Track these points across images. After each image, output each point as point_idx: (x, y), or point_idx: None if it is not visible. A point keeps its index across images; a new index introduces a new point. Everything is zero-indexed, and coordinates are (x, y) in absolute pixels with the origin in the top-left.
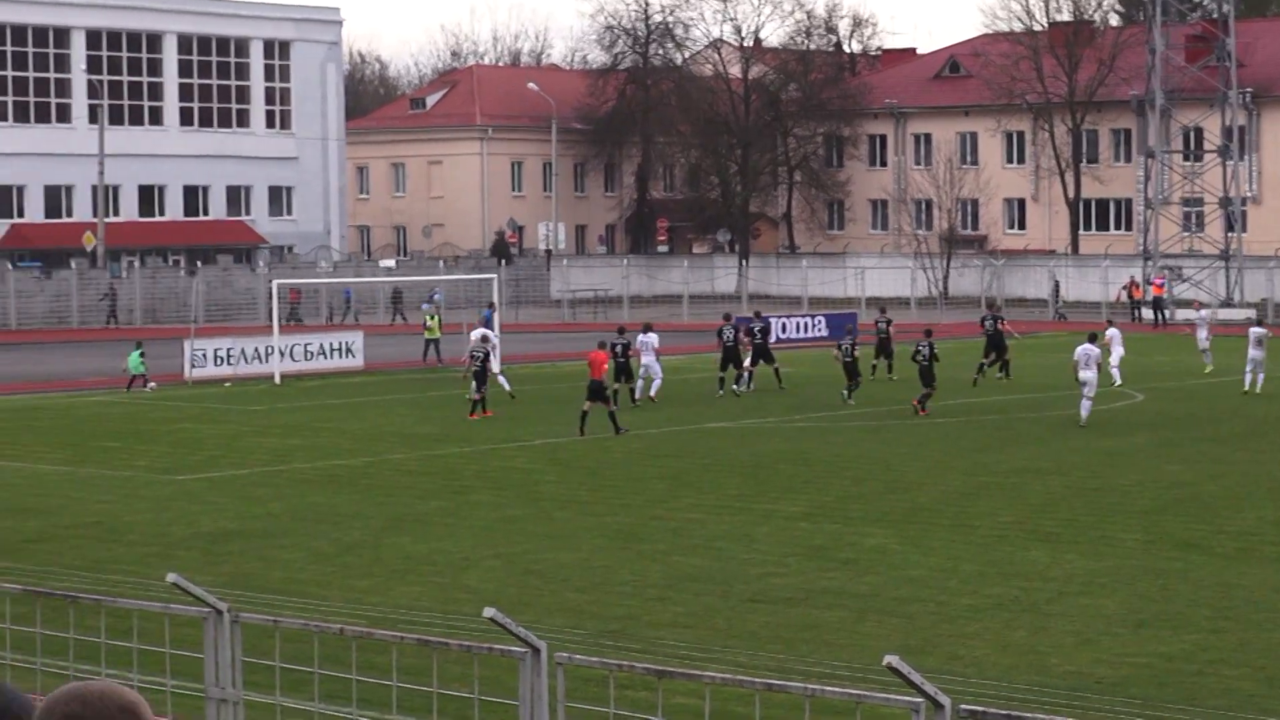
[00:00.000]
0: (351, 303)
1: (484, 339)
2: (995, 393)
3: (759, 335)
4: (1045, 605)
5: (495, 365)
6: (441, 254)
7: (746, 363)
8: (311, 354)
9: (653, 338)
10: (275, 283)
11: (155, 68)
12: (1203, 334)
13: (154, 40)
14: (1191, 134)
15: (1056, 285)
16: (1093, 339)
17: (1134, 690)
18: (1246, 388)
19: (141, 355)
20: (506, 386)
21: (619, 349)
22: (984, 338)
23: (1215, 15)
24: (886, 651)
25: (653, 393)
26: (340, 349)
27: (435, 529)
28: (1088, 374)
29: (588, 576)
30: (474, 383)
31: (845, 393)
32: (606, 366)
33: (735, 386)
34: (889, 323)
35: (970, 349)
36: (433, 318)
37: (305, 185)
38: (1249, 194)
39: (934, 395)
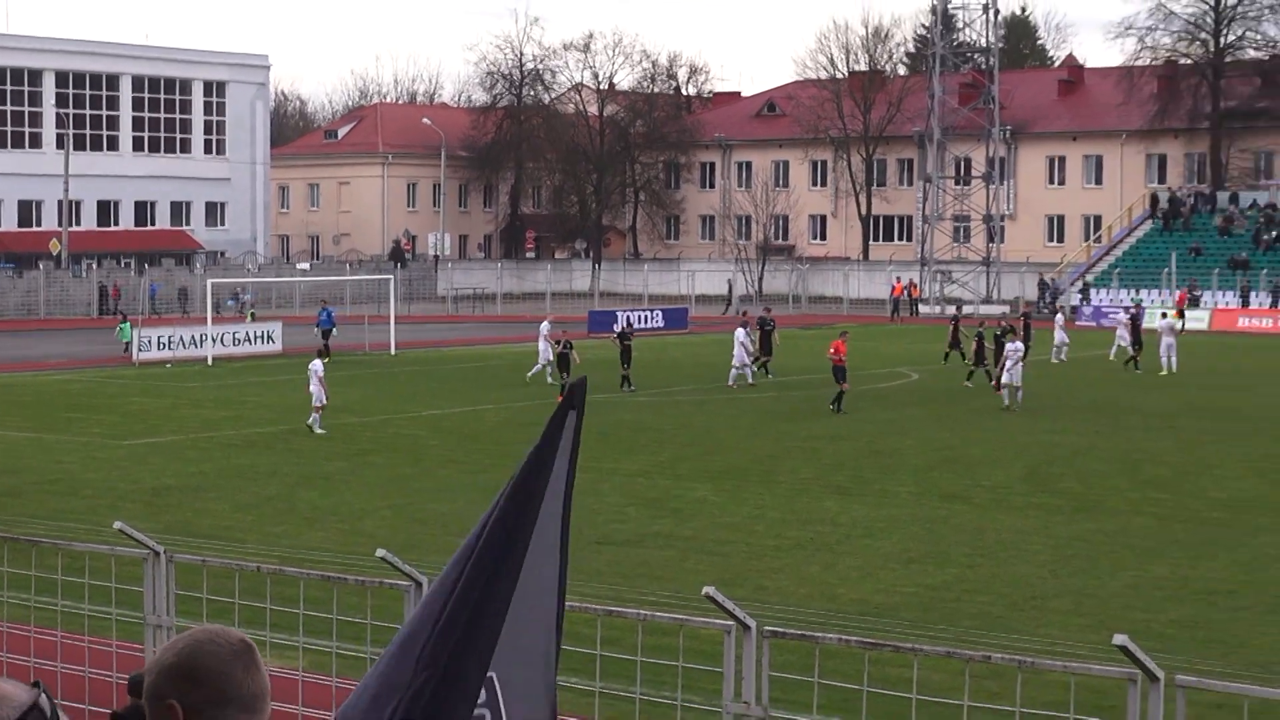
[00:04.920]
0: (156, 298)
1: (560, 330)
2: (811, 372)
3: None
4: (835, 546)
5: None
6: (348, 258)
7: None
8: (239, 340)
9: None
10: (210, 281)
11: (113, 103)
12: (1166, 340)
13: (112, 80)
14: (962, 163)
15: (730, 284)
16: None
17: (905, 614)
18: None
19: (131, 326)
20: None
21: (768, 327)
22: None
23: (983, 67)
24: (705, 584)
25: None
26: (263, 336)
27: (338, 485)
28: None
29: (464, 523)
30: (560, 370)
31: None
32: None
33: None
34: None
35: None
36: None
37: (236, 201)
38: (1006, 212)
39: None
